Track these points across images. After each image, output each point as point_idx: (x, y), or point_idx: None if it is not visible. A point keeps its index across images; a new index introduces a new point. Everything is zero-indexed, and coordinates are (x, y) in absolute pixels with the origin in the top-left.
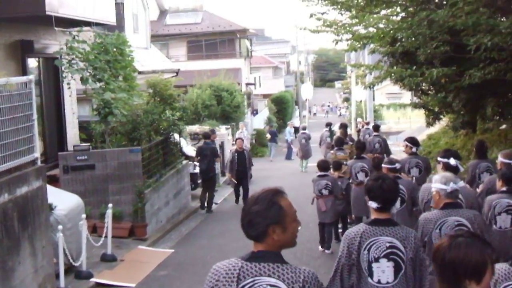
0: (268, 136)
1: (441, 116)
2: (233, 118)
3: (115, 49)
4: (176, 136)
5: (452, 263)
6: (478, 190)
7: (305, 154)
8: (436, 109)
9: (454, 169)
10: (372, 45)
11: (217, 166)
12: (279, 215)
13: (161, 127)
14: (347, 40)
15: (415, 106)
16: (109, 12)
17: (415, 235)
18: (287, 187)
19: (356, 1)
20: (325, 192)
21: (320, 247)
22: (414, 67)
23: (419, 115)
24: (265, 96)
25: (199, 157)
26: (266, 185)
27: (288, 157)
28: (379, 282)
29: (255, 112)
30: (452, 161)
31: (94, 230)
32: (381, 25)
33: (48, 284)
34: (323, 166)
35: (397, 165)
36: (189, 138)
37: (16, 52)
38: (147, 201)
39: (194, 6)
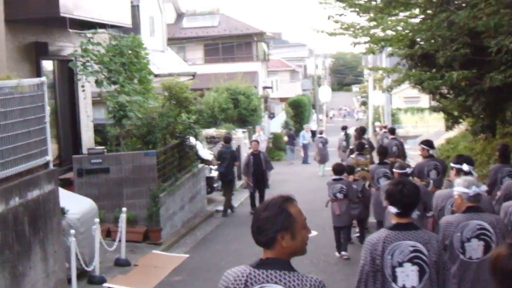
0: (286, 139)
1: (461, 120)
2: (250, 121)
3: (130, 52)
4: (192, 139)
5: None
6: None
7: (323, 158)
8: (456, 113)
9: (466, 175)
10: (390, 48)
11: (235, 169)
12: (288, 222)
13: (176, 130)
14: (365, 43)
15: (434, 110)
16: (125, 14)
17: (438, 238)
18: (304, 191)
19: (374, 2)
20: (339, 195)
21: (336, 253)
22: (434, 70)
23: (437, 119)
24: (282, 99)
25: (219, 161)
26: (283, 189)
27: (305, 161)
28: (404, 286)
29: (272, 116)
30: (465, 167)
31: (108, 234)
32: (399, 28)
33: None
34: (338, 169)
35: (408, 170)
36: (205, 141)
37: (30, 54)
38: (161, 205)
39: (211, 9)
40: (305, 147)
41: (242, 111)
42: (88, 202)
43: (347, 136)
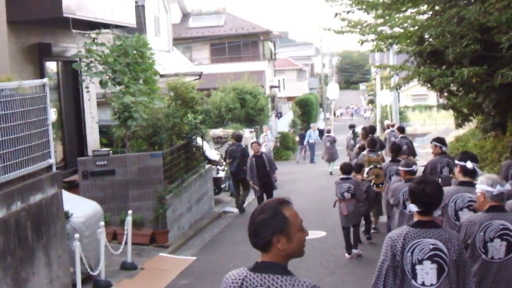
0: (298, 138)
1: (471, 118)
2: (257, 121)
3: (135, 52)
4: (199, 140)
5: None
6: None
7: (330, 157)
8: (465, 111)
9: (471, 173)
10: (398, 46)
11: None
12: (283, 225)
13: (183, 131)
14: (372, 40)
15: (443, 107)
16: (129, 14)
17: (458, 237)
18: (312, 191)
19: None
20: (347, 195)
21: (346, 254)
22: (443, 67)
23: (445, 117)
24: (289, 98)
25: (230, 159)
26: (292, 188)
27: (312, 160)
28: (423, 284)
29: (279, 115)
30: (469, 164)
31: (114, 237)
32: (406, 25)
33: None
34: (345, 169)
35: (415, 168)
36: (212, 141)
37: (33, 55)
38: (168, 207)
39: (217, 9)
40: (311, 146)
41: (249, 111)
42: (93, 205)
43: (355, 134)
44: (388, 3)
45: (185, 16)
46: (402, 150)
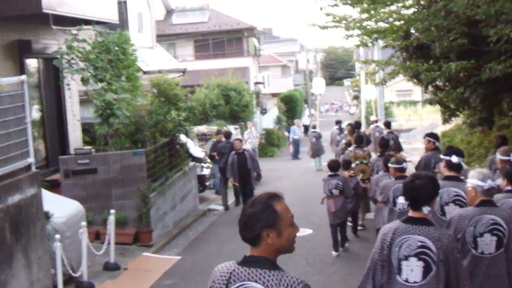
0: (287, 134)
1: (458, 113)
2: (242, 117)
3: (117, 48)
4: (183, 137)
5: None
6: None
7: (315, 152)
8: (452, 106)
9: (456, 167)
10: (383, 41)
11: None
12: (273, 219)
13: (166, 128)
14: (357, 35)
15: (430, 102)
16: (111, 10)
17: (450, 236)
18: (298, 188)
19: None
20: (335, 192)
21: (333, 251)
22: (431, 61)
23: (430, 112)
24: (274, 95)
25: (220, 155)
26: (276, 185)
27: (295, 155)
28: (406, 280)
29: (264, 112)
30: (454, 159)
31: (97, 236)
32: (392, 20)
33: None
34: (333, 166)
35: (405, 165)
36: (197, 139)
37: (13, 52)
38: (152, 205)
39: (201, 5)
40: (295, 142)
41: (233, 107)
42: (74, 205)
43: (341, 130)
44: None
45: (169, 12)
46: (389, 145)
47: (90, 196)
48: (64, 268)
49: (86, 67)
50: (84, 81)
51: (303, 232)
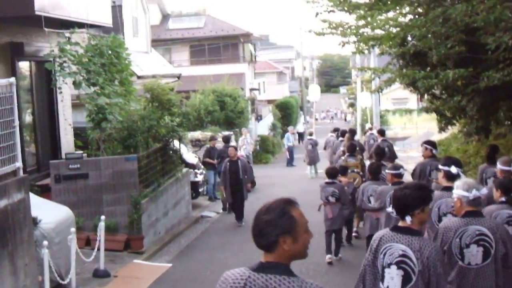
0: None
1: (454, 122)
2: (237, 124)
3: (110, 52)
4: (176, 143)
5: None
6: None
7: (312, 159)
8: (449, 114)
9: (455, 178)
10: (380, 48)
11: None
12: (290, 225)
13: (159, 133)
14: (353, 42)
15: (426, 111)
16: (105, 13)
17: (434, 248)
18: (292, 195)
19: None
20: (331, 199)
21: (327, 255)
22: (428, 69)
23: (426, 121)
24: (269, 101)
25: (218, 160)
26: (270, 192)
27: (290, 163)
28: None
29: (259, 118)
30: (454, 169)
31: (88, 243)
32: (388, 27)
33: None
34: (331, 173)
35: (402, 171)
36: (191, 144)
37: (5, 54)
38: (143, 212)
39: (197, 10)
40: (290, 149)
41: (228, 113)
42: (64, 210)
43: (338, 137)
44: (370, 3)
45: (165, 17)
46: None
47: (81, 201)
48: (52, 275)
49: (79, 70)
50: (76, 84)
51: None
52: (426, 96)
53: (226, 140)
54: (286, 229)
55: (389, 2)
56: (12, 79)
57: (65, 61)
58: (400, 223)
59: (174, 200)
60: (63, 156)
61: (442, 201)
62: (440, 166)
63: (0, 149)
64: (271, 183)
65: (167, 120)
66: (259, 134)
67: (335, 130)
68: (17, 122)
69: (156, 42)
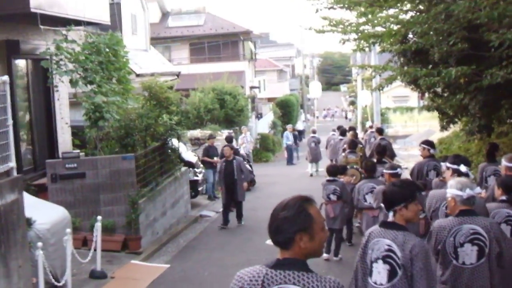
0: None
1: (456, 120)
2: (237, 122)
3: (108, 50)
4: (175, 141)
5: None
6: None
7: (314, 157)
8: (451, 112)
9: (464, 177)
10: (380, 45)
11: None
12: (307, 223)
13: (157, 132)
14: (354, 39)
15: (428, 109)
16: (103, 10)
17: (416, 243)
18: (292, 194)
19: None
20: (333, 197)
21: (325, 254)
22: (430, 66)
23: (427, 119)
24: (269, 99)
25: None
26: (271, 191)
27: (290, 161)
28: (375, 282)
29: (259, 116)
30: (463, 168)
31: (85, 243)
32: (389, 24)
33: None
34: (331, 171)
35: (399, 170)
36: (190, 143)
37: (1, 52)
38: (141, 211)
39: (196, 8)
40: (288, 148)
41: (228, 112)
42: (60, 211)
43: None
44: (371, 0)
45: (165, 15)
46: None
47: (77, 201)
48: (47, 276)
49: (75, 68)
50: (73, 83)
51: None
52: (427, 94)
53: (229, 140)
54: (303, 226)
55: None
56: (5, 78)
57: (61, 59)
58: (389, 218)
59: (172, 199)
60: (60, 155)
61: None
62: (448, 164)
63: None
64: (272, 181)
65: (165, 119)
66: (259, 132)
67: (339, 128)
68: (10, 121)
69: (156, 40)
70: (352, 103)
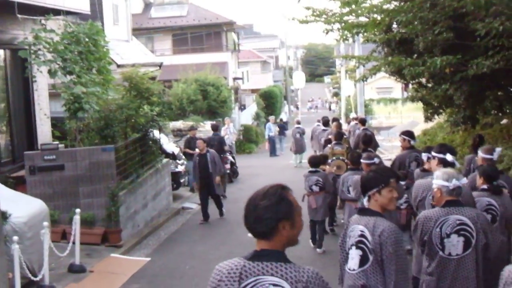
0: (277, 129)
1: (441, 111)
2: (220, 113)
3: (87, 40)
4: (156, 133)
5: None
6: None
7: (299, 148)
8: (435, 103)
9: (450, 166)
10: (364, 35)
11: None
12: (288, 210)
13: (138, 123)
14: (338, 29)
15: (412, 99)
16: (82, 0)
17: (387, 227)
18: None
19: None
20: (315, 188)
21: (311, 243)
22: (415, 56)
23: (410, 110)
24: (253, 91)
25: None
26: (254, 183)
27: (273, 153)
28: (349, 269)
29: (242, 107)
30: (449, 157)
31: (64, 236)
32: (372, 15)
33: None
34: (314, 162)
35: (376, 160)
36: (172, 134)
37: None
38: (121, 204)
39: None
40: (271, 139)
41: (211, 103)
42: (37, 204)
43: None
44: None
45: (147, 6)
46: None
47: (56, 193)
48: (23, 271)
49: (54, 58)
50: (52, 73)
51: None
52: (411, 85)
53: (215, 128)
54: (285, 214)
55: None
56: None
57: (39, 49)
58: (364, 205)
59: (153, 191)
60: (39, 147)
61: None
62: (434, 154)
63: None
64: (255, 173)
65: (146, 110)
66: (242, 124)
67: (323, 118)
68: None
69: (139, 31)
70: (336, 94)
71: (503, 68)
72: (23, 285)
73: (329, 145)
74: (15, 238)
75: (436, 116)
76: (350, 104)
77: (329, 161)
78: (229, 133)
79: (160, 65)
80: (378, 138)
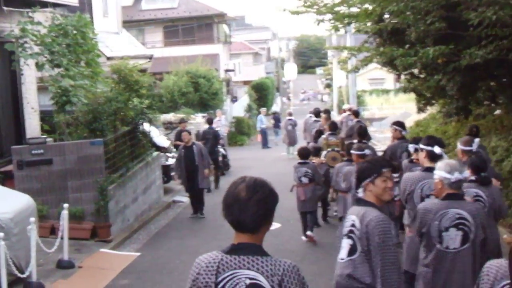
0: (272, 121)
1: (433, 102)
2: (211, 105)
3: (75, 32)
4: (146, 125)
5: None
6: None
7: (292, 140)
8: (428, 94)
9: (438, 158)
10: (356, 25)
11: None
12: (275, 203)
13: (127, 116)
14: (329, 20)
15: (404, 90)
16: None
17: (374, 217)
18: (267, 178)
19: None
20: (304, 180)
21: (303, 237)
22: (407, 46)
23: (403, 101)
24: (245, 83)
25: (203, 141)
26: (245, 174)
27: (265, 145)
28: (339, 257)
29: (234, 99)
30: (437, 149)
31: (53, 231)
32: (363, 6)
33: None
34: (303, 153)
35: (366, 151)
36: (163, 127)
37: None
38: (110, 198)
39: None
40: (263, 131)
41: (203, 95)
42: (24, 199)
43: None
44: None
45: None
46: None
47: (45, 188)
48: (10, 268)
49: (41, 51)
50: (39, 66)
51: (272, 226)
52: (403, 76)
53: (210, 121)
54: (274, 207)
55: None
56: None
57: (26, 42)
58: (359, 196)
59: (144, 185)
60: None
61: (425, 182)
62: (421, 146)
63: None
64: (247, 165)
65: (136, 102)
66: (234, 116)
67: (316, 110)
68: None
69: (129, 23)
70: (328, 85)
71: (496, 58)
72: (9, 282)
73: (323, 136)
74: (1, 234)
75: (428, 107)
76: (342, 95)
77: (324, 152)
78: (221, 125)
79: (151, 57)
80: (370, 129)
